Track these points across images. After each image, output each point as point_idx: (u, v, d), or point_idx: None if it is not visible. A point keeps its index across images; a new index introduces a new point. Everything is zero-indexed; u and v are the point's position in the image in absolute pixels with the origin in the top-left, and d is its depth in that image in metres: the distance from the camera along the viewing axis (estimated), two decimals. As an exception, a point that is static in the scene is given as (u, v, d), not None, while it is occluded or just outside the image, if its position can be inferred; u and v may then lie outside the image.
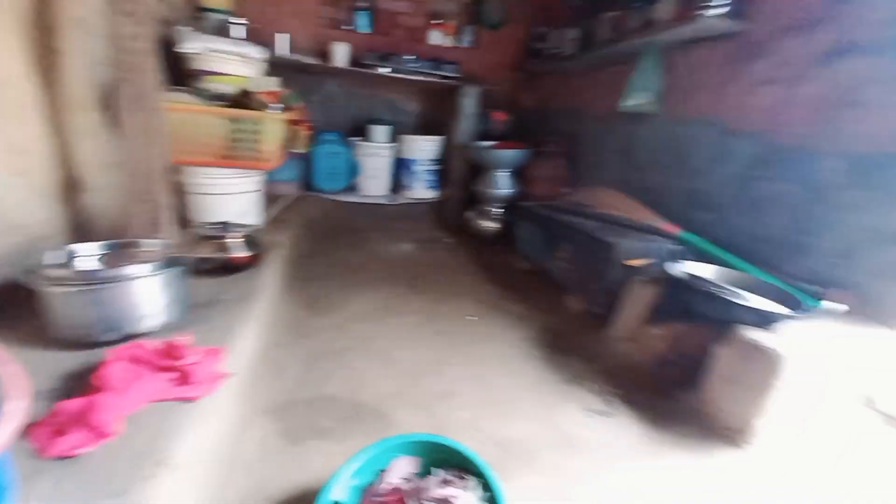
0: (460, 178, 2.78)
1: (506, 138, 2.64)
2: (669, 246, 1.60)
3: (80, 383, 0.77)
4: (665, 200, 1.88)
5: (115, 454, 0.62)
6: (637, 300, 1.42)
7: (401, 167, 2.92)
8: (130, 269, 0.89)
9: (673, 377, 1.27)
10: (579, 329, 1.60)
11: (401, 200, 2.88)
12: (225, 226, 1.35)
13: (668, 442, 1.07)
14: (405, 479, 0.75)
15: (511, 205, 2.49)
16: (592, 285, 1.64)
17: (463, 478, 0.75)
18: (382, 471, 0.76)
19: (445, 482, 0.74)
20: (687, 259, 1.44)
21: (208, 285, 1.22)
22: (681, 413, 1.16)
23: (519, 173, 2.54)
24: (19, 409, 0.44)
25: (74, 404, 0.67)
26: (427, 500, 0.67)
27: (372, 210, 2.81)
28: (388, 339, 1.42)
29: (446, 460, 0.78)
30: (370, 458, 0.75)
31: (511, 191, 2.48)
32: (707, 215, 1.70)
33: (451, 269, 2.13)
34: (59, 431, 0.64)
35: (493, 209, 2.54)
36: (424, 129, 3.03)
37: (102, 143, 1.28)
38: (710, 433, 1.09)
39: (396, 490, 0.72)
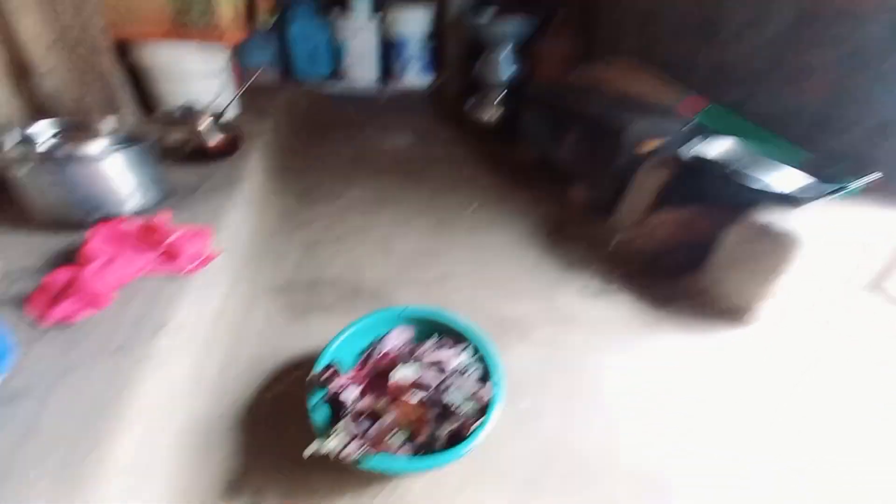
0: (457, 59, 2.47)
1: (508, 6, 2.27)
2: (687, 126, 1.47)
3: (67, 261, 0.75)
4: (691, 75, 1.68)
5: (115, 319, 0.63)
6: (646, 185, 1.35)
7: (390, 49, 2.59)
8: (87, 146, 0.81)
9: (677, 262, 1.27)
10: (582, 219, 1.56)
11: (392, 89, 2.62)
12: (190, 109, 1.22)
13: (667, 321, 1.10)
14: (400, 346, 0.78)
15: (514, 89, 2.26)
16: (599, 173, 1.56)
17: (455, 344, 0.78)
18: (379, 339, 0.78)
19: (439, 347, 0.77)
20: (706, 138, 1.33)
21: (187, 174, 1.15)
22: (682, 295, 1.19)
23: (524, 51, 2.25)
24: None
25: (63, 275, 0.66)
26: (422, 361, 0.70)
27: (361, 101, 2.57)
28: (386, 228, 1.39)
29: (441, 331, 0.81)
30: (366, 325, 0.77)
31: (514, 73, 2.22)
32: (736, 90, 1.53)
33: (450, 162, 2.02)
34: (54, 301, 0.64)
35: (495, 95, 2.32)
36: (415, -1, 2.60)
37: (42, 20, 1.09)
38: (711, 314, 1.12)
39: (390, 353, 0.75)
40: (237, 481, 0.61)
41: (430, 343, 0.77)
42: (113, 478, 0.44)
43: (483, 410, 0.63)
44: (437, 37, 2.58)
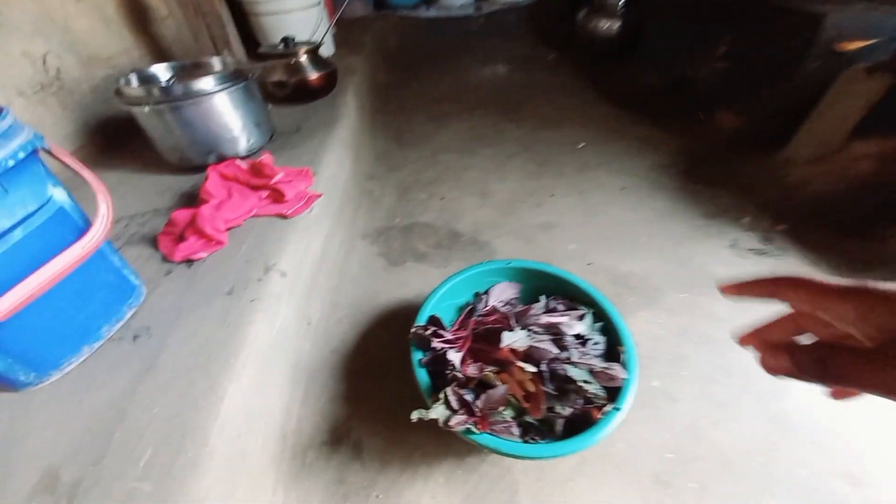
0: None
1: None
2: None
3: (189, 202, 0.80)
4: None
5: (227, 260, 0.64)
6: (844, 102, 0.97)
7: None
8: (199, 83, 0.81)
9: (876, 214, 0.92)
10: (731, 153, 1.23)
11: (488, 9, 2.31)
12: (287, 43, 1.18)
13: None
14: (505, 302, 0.69)
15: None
16: (767, 87, 1.17)
17: (572, 306, 0.65)
18: (482, 294, 0.70)
19: (552, 310, 0.66)
20: None
21: (288, 113, 1.14)
22: (879, 262, 0.87)
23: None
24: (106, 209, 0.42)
25: (184, 214, 0.69)
26: (533, 325, 0.60)
27: (455, 26, 2.33)
28: (482, 169, 1.26)
29: (552, 289, 0.69)
30: (469, 277, 0.68)
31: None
32: None
33: (556, 91, 1.74)
34: (180, 238, 0.68)
35: (612, 3, 1.88)
36: None
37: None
38: None
39: (495, 311, 0.66)
40: (338, 430, 0.62)
41: (539, 305, 0.66)
42: (225, 420, 0.45)
43: (613, 392, 0.51)
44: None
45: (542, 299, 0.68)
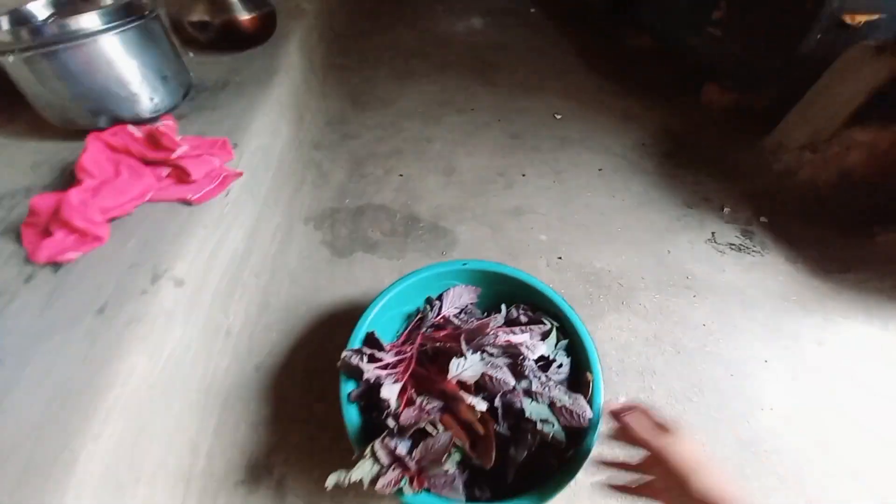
0: None
1: None
2: None
3: (72, 177, 0.63)
4: None
5: (105, 264, 0.50)
6: (845, 83, 0.88)
7: None
8: (81, 21, 0.62)
9: (868, 206, 0.87)
10: (720, 133, 1.14)
11: None
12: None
13: (843, 297, 0.77)
14: (461, 310, 0.59)
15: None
16: (765, 61, 1.07)
17: (536, 319, 0.57)
18: (434, 299, 0.60)
19: (513, 321, 0.57)
20: None
21: (214, 63, 0.94)
22: (869, 258, 0.82)
23: None
24: None
25: (47, 200, 0.53)
26: (488, 347, 0.51)
27: (427, -33, 2.06)
28: (449, 141, 1.12)
29: (515, 295, 0.59)
30: (419, 280, 0.58)
31: None
32: None
33: (536, 51, 1.58)
34: (46, 232, 0.53)
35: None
36: None
37: None
38: None
39: (448, 323, 0.57)
40: (258, 466, 0.53)
41: (500, 316, 0.57)
42: (89, 481, 0.34)
43: (577, 434, 0.44)
44: None
45: (503, 309, 0.59)
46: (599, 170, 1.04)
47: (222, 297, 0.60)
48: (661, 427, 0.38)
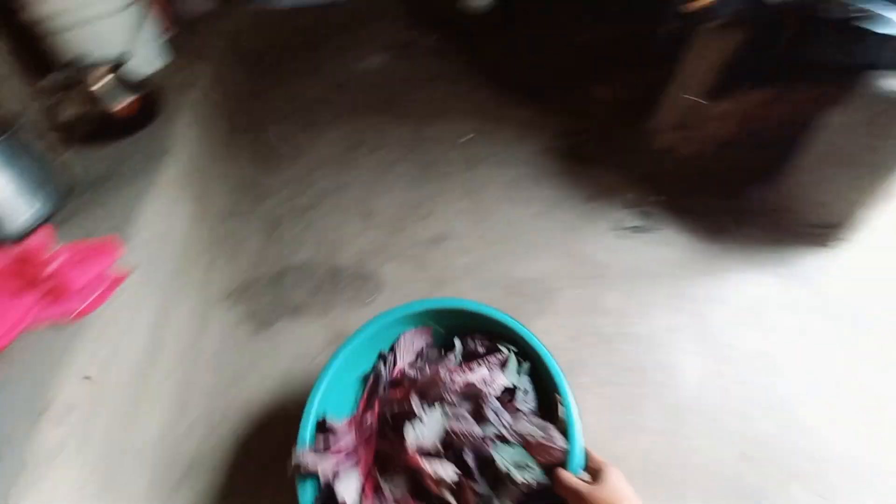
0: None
1: None
2: None
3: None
4: None
5: (-22, 409, 0.46)
6: (698, 62, 0.99)
7: (342, -65, 2.03)
8: None
9: (739, 170, 0.97)
10: (609, 127, 1.23)
11: None
12: (84, 65, 0.93)
13: (729, 253, 0.86)
14: (416, 355, 0.57)
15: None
16: (630, 57, 1.18)
17: (492, 347, 0.55)
18: (387, 353, 0.58)
19: (472, 354, 0.55)
20: None
21: (96, 157, 0.91)
22: (748, 215, 0.91)
23: None
24: None
25: None
26: (446, 395, 0.48)
27: (320, 15, 2.11)
28: (364, 183, 1.14)
29: (465, 325, 0.58)
30: (363, 341, 0.55)
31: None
32: None
33: (439, 79, 1.64)
34: None
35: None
36: None
37: None
38: (791, 235, 0.86)
39: (405, 377, 0.54)
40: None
41: (456, 351, 0.56)
42: None
43: (551, 468, 0.42)
44: None
45: (457, 343, 0.57)
46: (510, 181, 1.10)
47: (126, 413, 0.56)
48: (592, 470, 0.40)
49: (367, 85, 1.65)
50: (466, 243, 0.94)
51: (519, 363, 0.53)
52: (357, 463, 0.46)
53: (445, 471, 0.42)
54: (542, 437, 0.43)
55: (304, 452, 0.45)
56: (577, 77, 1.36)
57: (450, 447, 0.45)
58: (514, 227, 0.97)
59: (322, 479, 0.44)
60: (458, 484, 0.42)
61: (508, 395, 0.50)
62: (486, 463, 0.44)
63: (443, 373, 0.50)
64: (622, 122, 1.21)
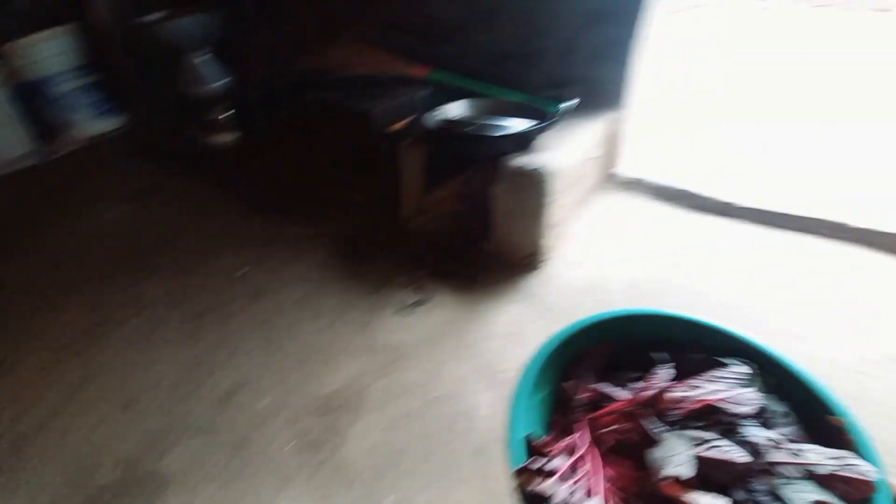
0: (145, 81, 1.91)
1: (181, 3, 1.81)
2: (424, 94, 1.44)
3: None
4: (405, 38, 1.64)
5: None
6: (410, 167, 1.27)
7: (33, 96, 1.82)
8: None
9: (469, 233, 1.26)
10: (372, 225, 1.42)
11: (64, 149, 1.88)
12: None
13: (485, 296, 1.08)
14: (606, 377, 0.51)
15: (240, 100, 1.88)
16: (368, 166, 1.42)
17: (711, 360, 0.46)
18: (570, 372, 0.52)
19: (688, 374, 0.45)
20: (443, 103, 1.30)
21: None
22: (485, 263, 1.18)
23: (228, 52, 1.86)
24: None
25: None
26: (675, 412, 0.40)
27: (20, 182, 1.77)
28: (120, 364, 0.96)
29: (657, 339, 0.50)
30: (544, 363, 0.50)
31: (225, 80, 1.83)
32: (449, 46, 1.56)
33: (200, 216, 1.57)
34: None
35: (218, 112, 1.89)
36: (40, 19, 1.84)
37: None
38: (514, 268, 1.15)
39: (604, 397, 0.47)
40: None
41: (662, 371, 0.46)
42: None
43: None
44: (101, 61, 1.93)
45: (664, 356, 0.48)
46: (297, 301, 1.12)
47: None
48: None
49: (113, 240, 1.44)
50: (265, 382, 0.90)
51: (763, 375, 0.44)
52: (587, 490, 0.39)
53: (716, 502, 0.35)
54: (838, 468, 0.35)
55: (527, 473, 0.39)
56: (332, 189, 1.54)
57: (706, 479, 0.37)
58: (310, 346, 0.98)
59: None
60: None
61: (765, 417, 0.41)
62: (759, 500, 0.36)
63: (665, 390, 0.42)
64: (381, 218, 1.41)
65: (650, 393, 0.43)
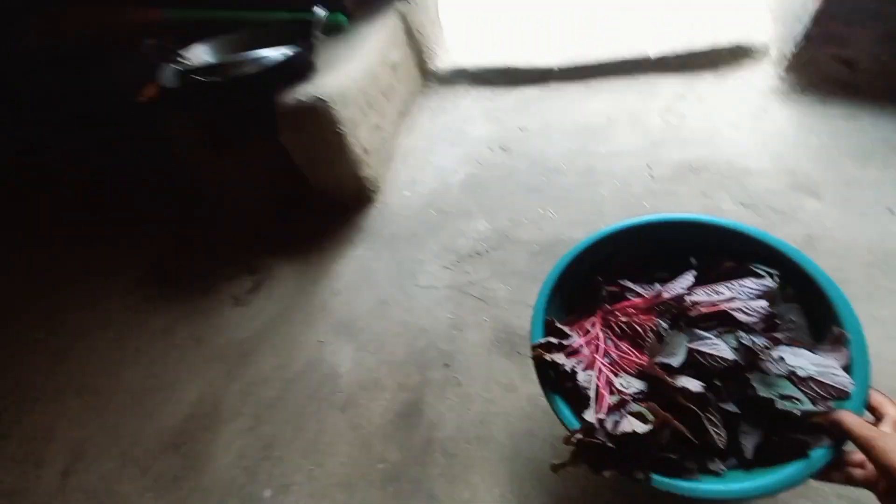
0: None
1: None
2: (163, 49, 1.14)
3: None
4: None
5: None
6: (182, 136, 1.06)
7: None
8: None
9: (285, 189, 1.13)
10: (174, 222, 1.20)
11: None
12: None
13: (320, 251, 1.02)
14: (638, 276, 0.52)
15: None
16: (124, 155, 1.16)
17: (739, 268, 0.47)
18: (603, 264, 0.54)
19: (710, 279, 0.47)
20: (201, 47, 1.04)
21: None
22: (316, 217, 1.09)
23: None
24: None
25: None
26: (692, 312, 0.44)
27: None
28: None
29: (701, 245, 0.51)
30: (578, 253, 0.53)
31: None
32: None
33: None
34: None
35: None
36: None
37: None
38: (345, 213, 1.07)
39: (627, 289, 0.51)
40: None
41: (689, 275, 0.47)
42: None
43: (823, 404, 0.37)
44: None
45: (693, 261, 0.50)
46: (111, 343, 0.95)
47: None
48: (875, 409, 0.35)
49: None
50: (103, 445, 0.79)
51: (783, 290, 0.45)
52: (586, 363, 0.45)
53: (691, 382, 0.38)
54: (817, 373, 0.38)
55: (541, 346, 0.46)
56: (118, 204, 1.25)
57: (692, 367, 0.41)
58: (146, 381, 0.86)
59: (561, 370, 0.44)
60: (701, 396, 0.38)
61: (770, 324, 0.42)
62: (734, 390, 0.39)
63: (683, 293, 0.45)
64: (179, 213, 1.19)
65: (669, 294, 0.46)
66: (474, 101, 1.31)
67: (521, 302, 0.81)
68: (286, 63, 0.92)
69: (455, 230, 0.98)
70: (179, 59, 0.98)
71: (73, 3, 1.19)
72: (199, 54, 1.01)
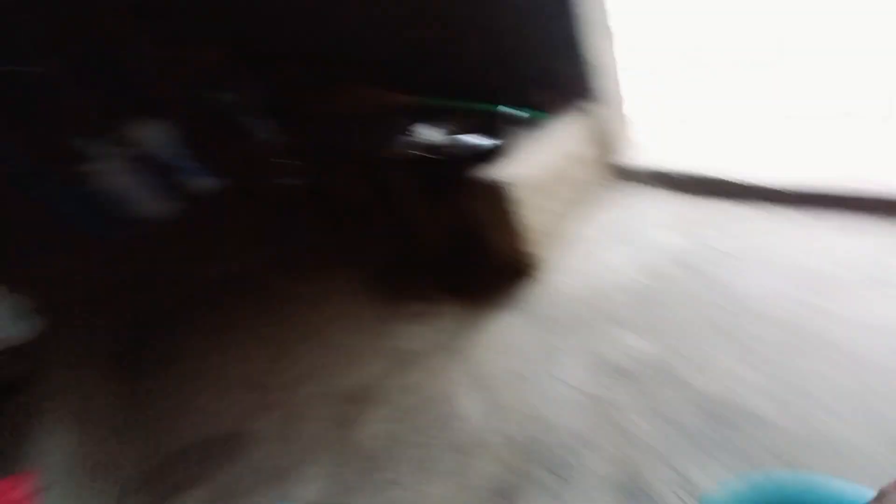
0: (223, 147, 2.39)
1: (237, 76, 2.21)
2: (406, 124, 1.57)
3: None
4: (389, 71, 1.78)
5: None
6: (406, 190, 1.46)
7: (156, 170, 2.42)
8: None
9: (467, 246, 1.39)
10: (395, 248, 1.62)
11: (177, 207, 2.45)
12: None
13: (480, 305, 1.23)
14: None
15: (298, 148, 2.24)
16: (380, 198, 1.63)
17: None
18: None
19: None
20: (429, 128, 1.42)
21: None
22: (484, 274, 1.31)
23: (274, 111, 2.23)
24: None
25: None
26: None
27: (156, 230, 2.36)
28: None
29: None
30: None
31: (274, 132, 2.20)
32: (421, 74, 1.67)
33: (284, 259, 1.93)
34: None
35: (284, 162, 2.27)
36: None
37: None
38: (509, 275, 1.25)
39: None
40: None
41: None
42: None
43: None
44: (194, 136, 2.47)
45: None
46: (339, 313, 1.39)
47: None
48: None
49: (218, 294, 1.76)
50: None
51: None
52: None
53: None
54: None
55: None
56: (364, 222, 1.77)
57: None
58: (343, 343, 1.25)
59: None
60: None
61: None
62: None
63: None
64: (398, 242, 1.60)
65: None
66: (659, 204, 1.31)
67: (666, 460, 0.71)
68: (491, 150, 1.19)
69: (605, 335, 1.01)
70: (410, 134, 1.36)
71: (355, 87, 1.78)
72: (426, 133, 1.38)
